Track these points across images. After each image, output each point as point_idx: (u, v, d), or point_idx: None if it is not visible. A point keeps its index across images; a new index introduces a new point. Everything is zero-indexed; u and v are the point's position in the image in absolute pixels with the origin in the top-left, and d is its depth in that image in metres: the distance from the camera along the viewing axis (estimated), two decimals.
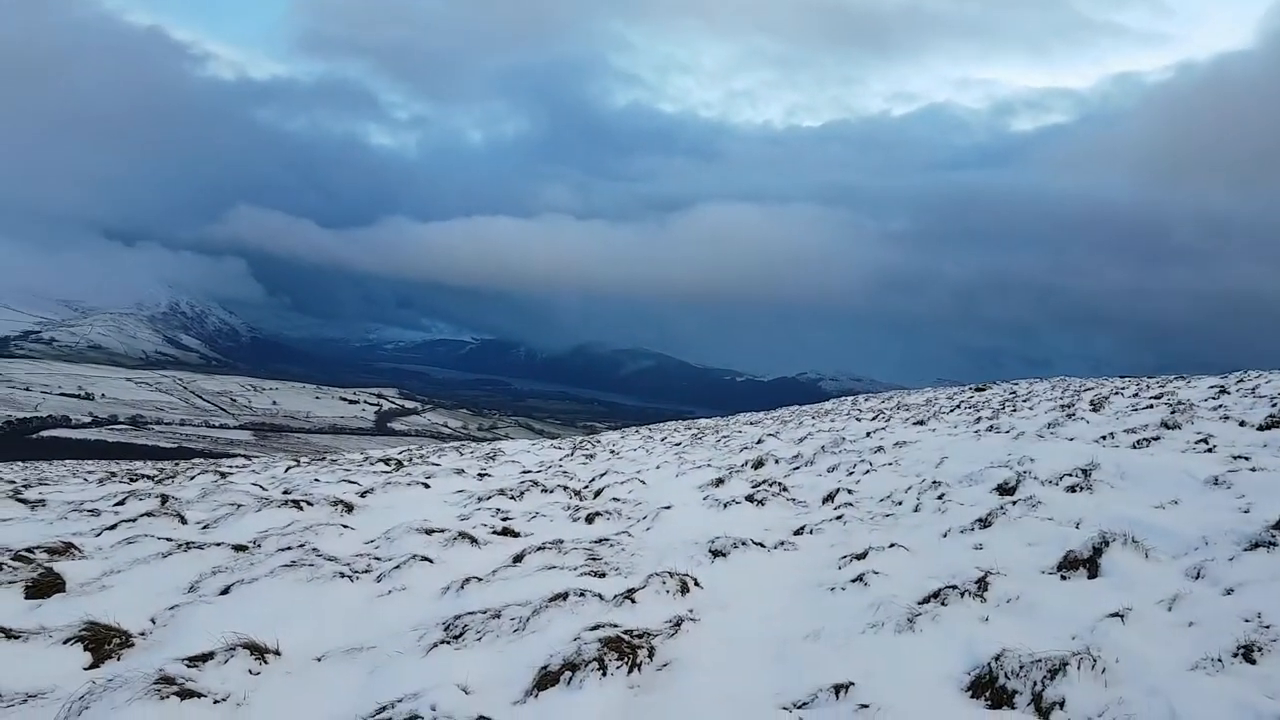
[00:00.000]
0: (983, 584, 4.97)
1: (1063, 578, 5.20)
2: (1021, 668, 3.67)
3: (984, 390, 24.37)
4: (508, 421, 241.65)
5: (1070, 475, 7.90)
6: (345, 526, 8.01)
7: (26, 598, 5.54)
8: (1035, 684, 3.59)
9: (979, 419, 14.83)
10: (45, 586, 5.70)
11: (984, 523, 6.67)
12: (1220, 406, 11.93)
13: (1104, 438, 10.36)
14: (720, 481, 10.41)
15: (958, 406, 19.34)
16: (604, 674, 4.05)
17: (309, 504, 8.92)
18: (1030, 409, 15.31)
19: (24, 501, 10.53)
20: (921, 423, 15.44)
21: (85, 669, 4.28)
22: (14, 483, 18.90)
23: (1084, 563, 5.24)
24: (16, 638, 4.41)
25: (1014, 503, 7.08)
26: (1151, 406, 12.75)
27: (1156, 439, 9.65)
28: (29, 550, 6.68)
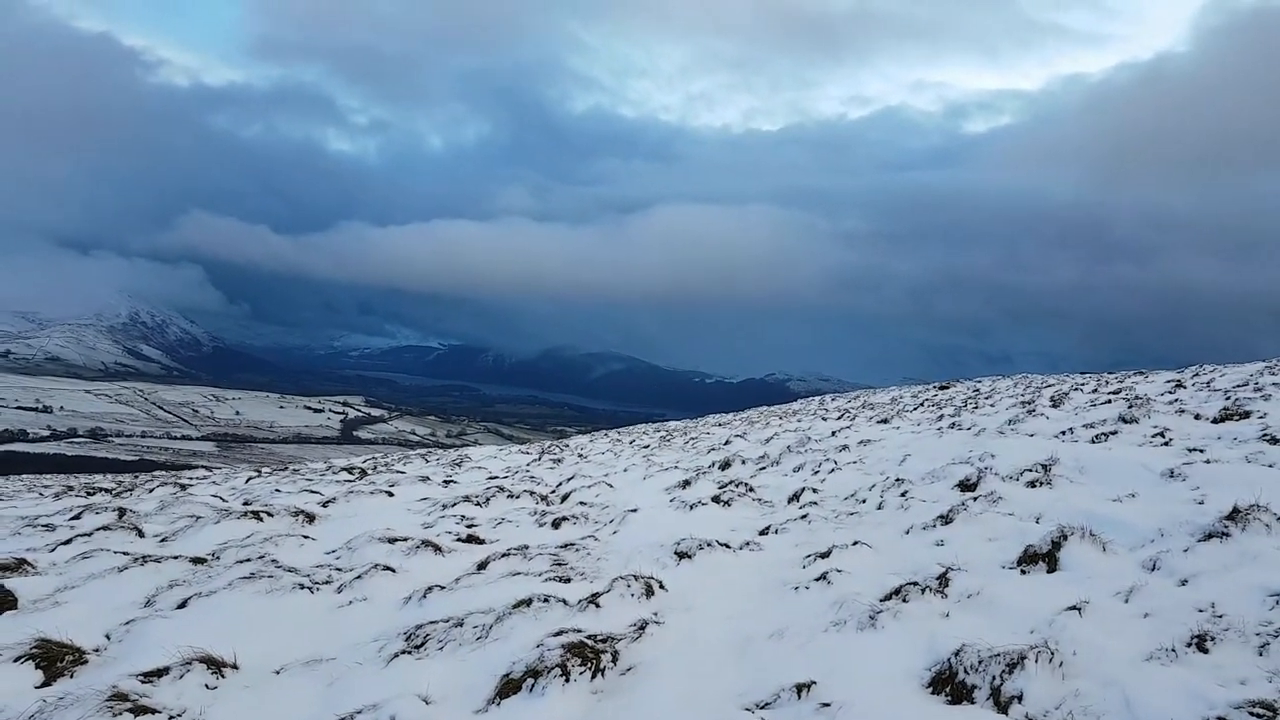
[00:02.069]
0: (944, 580, 5.02)
1: (1022, 572, 5.25)
2: (980, 662, 3.70)
3: (948, 388, 24.65)
4: (476, 427, 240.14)
5: (1030, 470, 8.01)
6: (306, 537, 7.89)
7: None
8: (994, 678, 3.62)
9: (942, 416, 14.99)
10: None
11: (946, 519, 6.73)
12: (1176, 400, 12.17)
13: (1064, 433, 10.52)
14: (687, 483, 10.42)
15: (922, 405, 19.54)
16: (567, 680, 4.02)
17: (269, 515, 8.79)
18: (992, 406, 15.51)
19: None
20: (886, 421, 15.57)
21: (36, 687, 4.20)
22: None
23: (1043, 557, 5.30)
24: None
25: (975, 499, 7.16)
26: (1110, 402, 12.97)
27: (1115, 433, 9.81)
28: None
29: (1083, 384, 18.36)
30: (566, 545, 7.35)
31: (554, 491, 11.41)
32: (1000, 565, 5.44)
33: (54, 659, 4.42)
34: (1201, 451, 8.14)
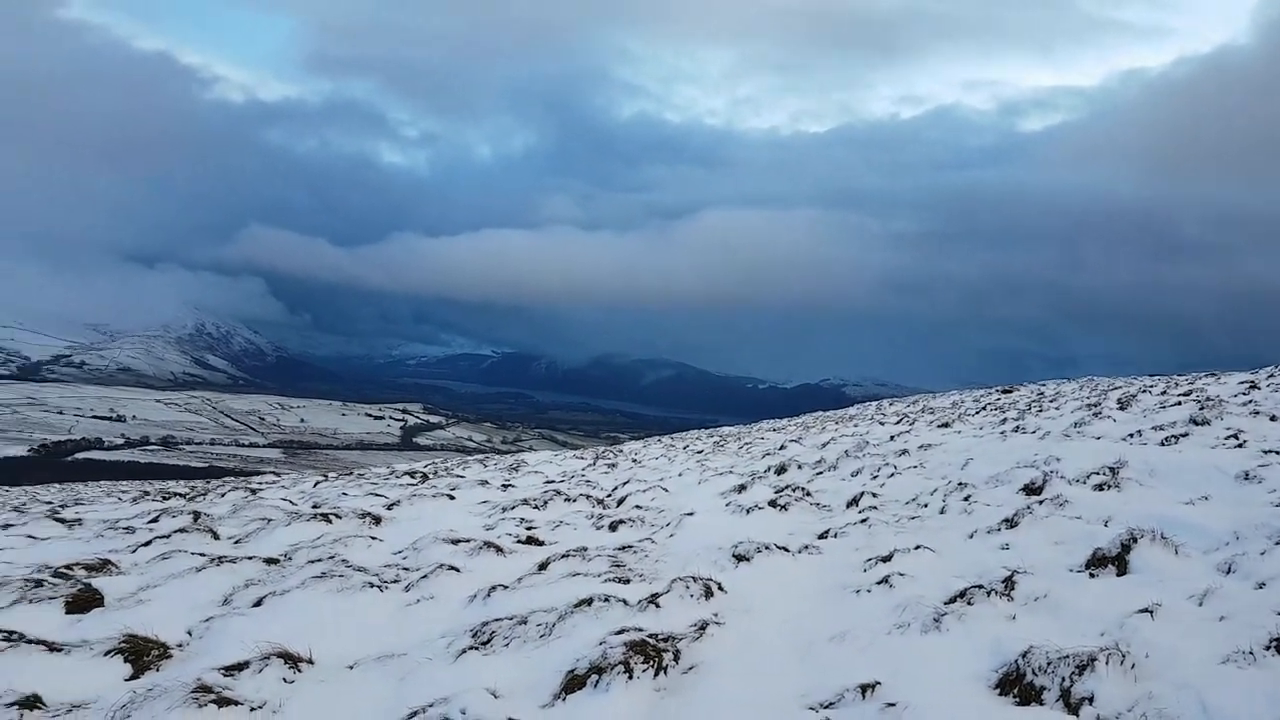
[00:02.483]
0: (1009, 583, 4.96)
1: (1091, 575, 5.17)
2: (1049, 664, 3.66)
3: (1011, 392, 24.15)
4: (531, 434, 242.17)
5: (1098, 474, 7.84)
6: (373, 538, 8.09)
7: (67, 612, 5.69)
8: (1063, 680, 3.58)
9: (1005, 420, 14.71)
10: (84, 601, 5.85)
11: (1010, 523, 6.64)
12: (1250, 402, 11.77)
13: (1132, 435, 10.26)
14: (743, 488, 10.41)
15: (984, 408, 19.19)
16: (630, 677, 4.08)
17: (337, 517, 9.03)
18: (1057, 409, 15.17)
19: (62, 521, 10.76)
20: (947, 425, 15.34)
21: (126, 680, 4.40)
22: (51, 503, 19.28)
23: (1112, 560, 5.20)
24: (59, 650, 4.54)
25: (1041, 502, 7.04)
26: (1180, 404, 12.60)
27: (1185, 435, 9.54)
28: (68, 567, 6.85)
29: (1151, 386, 17.86)
30: (624, 547, 7.42)
31: (609, 495, 11.49)
32: (1068, 568, 5.35)
33: (141, 653, 4.63)
34: (1278, 454, 7.88)
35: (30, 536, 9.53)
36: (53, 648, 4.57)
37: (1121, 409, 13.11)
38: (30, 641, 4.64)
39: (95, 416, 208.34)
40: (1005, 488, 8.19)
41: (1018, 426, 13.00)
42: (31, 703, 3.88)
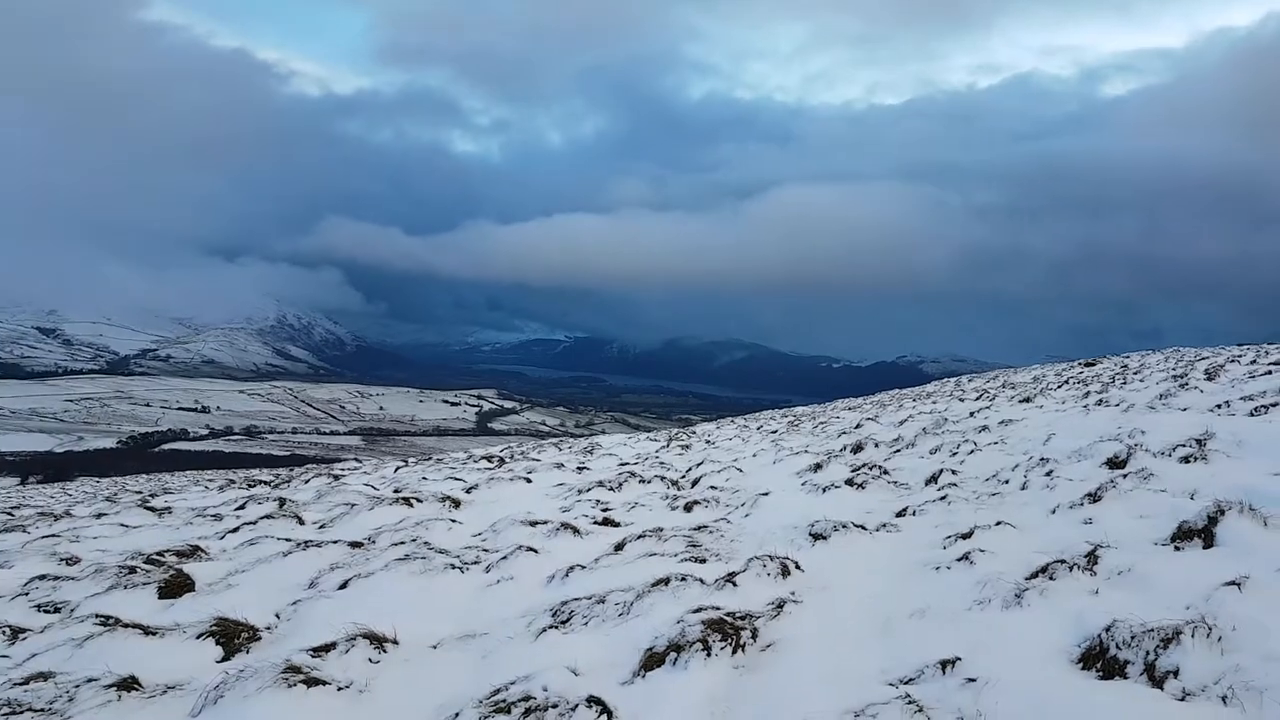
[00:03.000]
0: (1092, 558, 4.83)
1: (1176, 549, 4.99)
2: (1133, 638, 3.57)
3: (1093, 365, 23.36)
4: (603, 417, 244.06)
5: (1183, 446, 7.55)
6: (453, 521, 8.31)
7: (159, 597, 5.96)
8: (1148, 653, 3.49)
9: (1088, 394, 14.25)
10: (176, 587, 6.11)
11: (1093, 497, 6.45)
12: None
13: (1219, 407, 9.84)
14: (818, 467, 10.33)
15: (1066, 383, 18.61)
16: (708, 654, 4.12)
17: (418, 501, 9.28)
18: (1141, 381, 14.63)
19: (152, 509, 11.26)
20: (1028, 400, 14.93)
21: (217, 662, 4.58)
22: (141, 492, 20.26)
23: (1198, 533, 5.01)
24: (154, 634, 4.75)
25: (1124, 476, 6.82)
26: (1270, 373, 12.02)
27: (1275, 405, 9.11)
28: (159, 554, 7.17)
29: (1240, 356, 17.06)
30: (699, 528, 7.46)
31: (684, 477, 11.53)
32: (1152, 542, 5.18)
33: (231, 635, 4.81)
34: None
35: (123, 525, 10.01)
36: (147, 631, 4.78)
37: (1209, 380, 12.57)
38: (126, 625, 4.88)
39: (181, 408, 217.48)
40: (1088, 462, 7.95)
41: (1101, 400, 12.58)
42: (129, 684, 4.04)
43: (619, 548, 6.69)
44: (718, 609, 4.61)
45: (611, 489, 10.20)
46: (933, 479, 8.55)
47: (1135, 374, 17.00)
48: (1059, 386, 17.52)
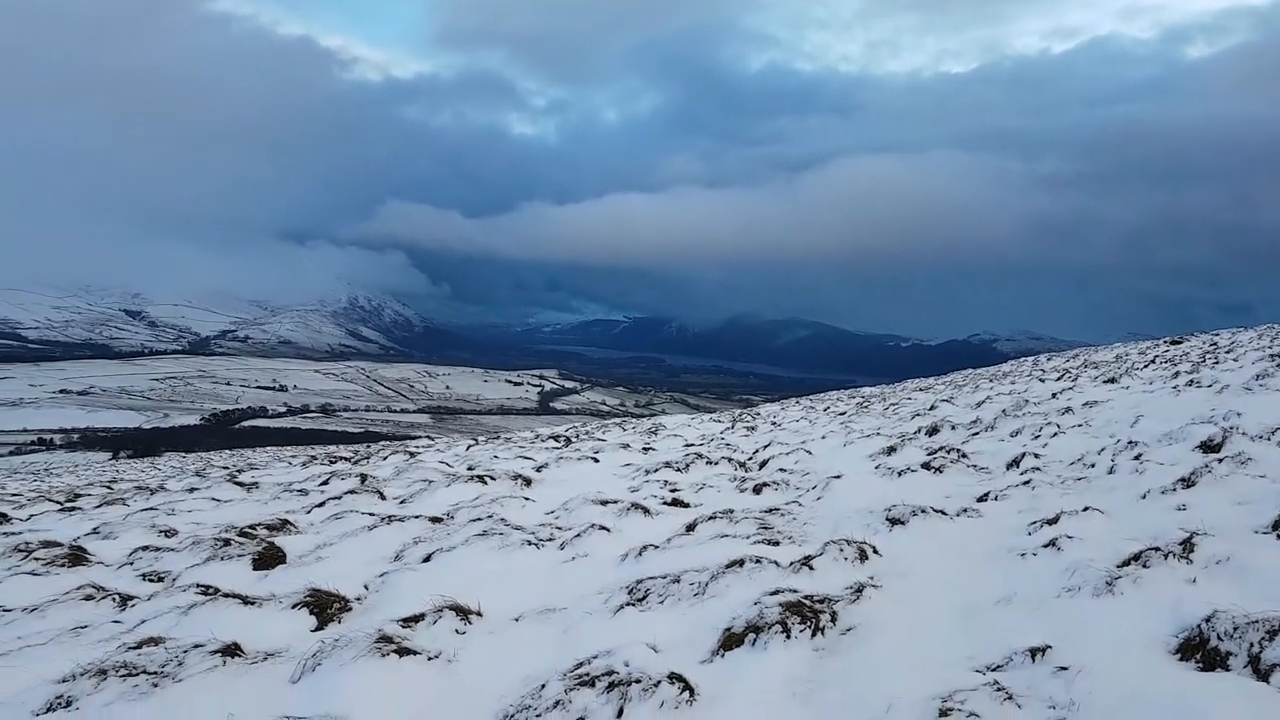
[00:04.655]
0: (1188, 545, 4.63)
1: (1279, 537, 4.78)
2: (1236, 629, 3.41)
3: (1180, 343, 22.48)
4: (663, 397, 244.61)
5: None
6: (526, 499, 8.42)
7: (254, 569, 6.26)
8: (1252, 645, 3.33)
9: (1177, 374, 13.70)
10: (269, 559, 6.41)
11: (1187, 482, 6.20)
12: None
13: None
14: (892, 450, 10.16)
15: (1152, 361, 17.95)
16: (787, 636, 4.09)
17: (492, 479, 9.44)
18: (1234, 360, 14.00)
19: (240, 485, 11.74)
20: (1112, 380, 14.43)
21: (311, 631, 4.74)
22: (228, 468, 21.04)
23: None
24: (252, 603, 4.93)
25: (1220, 460, 6.53)
26: None
27: None
28: (251, 527, 7.47)
29: None
30: (770, 510, 7.41)
31: (751, 458, 11.47)
32: (1252, 530, 4.95)
33: (324, 606, 4.97)
34: None
35: (214, 499, 10.45)
36: (246, 601, 4.96)
37: None
38: (225, 595, 5.08)
39: (259, 387, 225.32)
40: (1180, 445, 7.65)
41: (1191, 380, 12.09)
42: (232, 650, 4.21)
43: (690, 528, 6.68)
44: (795, 591, 4.57)
45: (679, 470, 10.20)
46: (1014, 463, 8.33)
47: (1227, 353, 16.30)
48: (1145, 366, 16.91)
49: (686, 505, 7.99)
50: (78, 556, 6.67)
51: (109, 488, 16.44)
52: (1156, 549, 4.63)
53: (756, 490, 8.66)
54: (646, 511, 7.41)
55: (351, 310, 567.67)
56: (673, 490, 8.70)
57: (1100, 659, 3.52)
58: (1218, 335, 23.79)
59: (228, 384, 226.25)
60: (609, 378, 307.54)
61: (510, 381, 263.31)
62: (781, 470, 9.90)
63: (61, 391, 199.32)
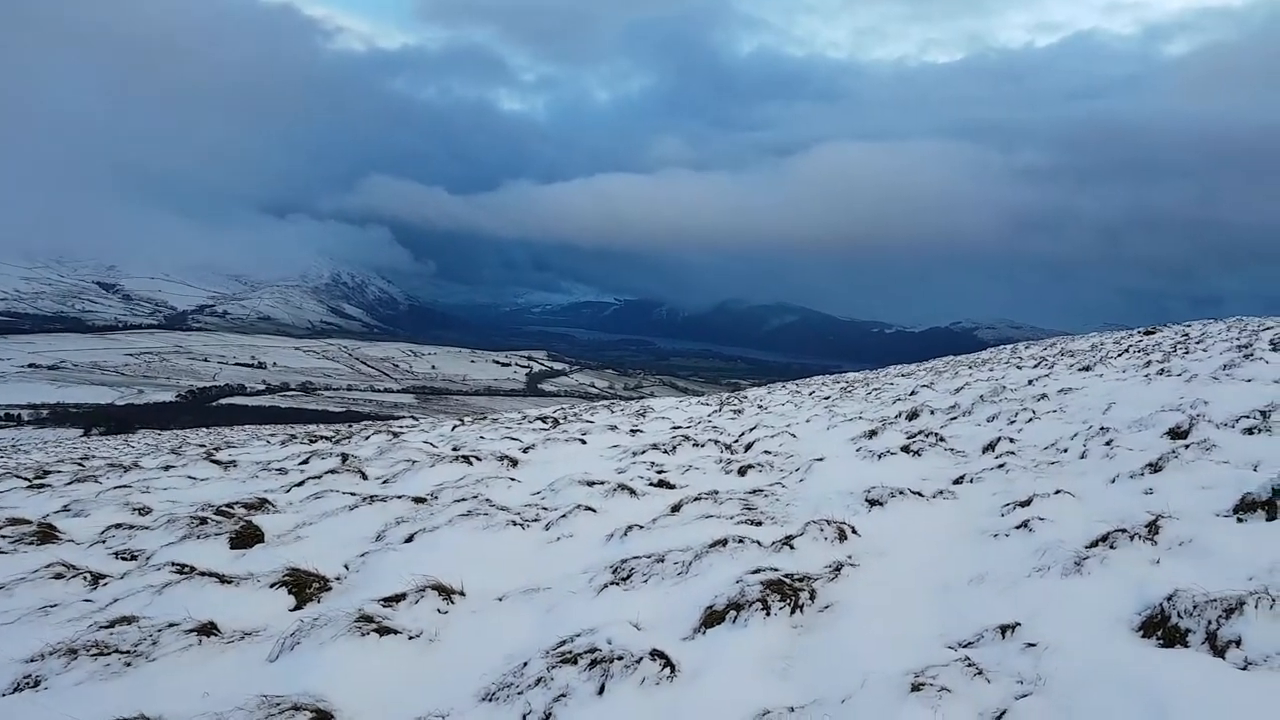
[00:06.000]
0: (1153, 527, 4.80)
1: (1239, 520, 4.93)
2: (1195, 607, 3.56)
3: (1154, 333, 22.80)
4: (652, 380, 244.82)
5: (1247, 417, 7.40)
6: (512, 479, 8.50)
7: (231, 548, 6.23)
8: (1210, 623, 3.48)
9: (1149, 363, 13.93)
10: (247, 538, 6.38)
11: (1154, 467, 6.37)
12: None
13: None
14: (873, 433, 10.31)
15: (1126, 351, 18.21)
16: (767, 614, 4.21)
17: (477, 459, 9.50)
18: (1204, 351, 14.25)
19: (217, 463, 11.62)
20: (1087, 368, 14.65)
21: (290, 610, 4.77)
22: (204, 446, 20.93)
23: (1262, 505, 4.94)
24: (229, 582, 4.96)
25: (1187, 446, 6.72)
26: None
27: None
28: (229, 506, 7.46)
29: None
30: (754, 491, 7.54)
31: (737, 441, 11.60)
32: (1215, 513, 5.11)
33: (303, 585, 5.00)
34: None
35: (190, 477, 10.39)
36: (222, 580, 4.98)
37: (1275, 350, 12.19)
38: (201, 574, 5.10)
39: (238, 364, 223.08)
40: (1149, 432, 7.84)
41: (1162, 369, 12.31)
42: (208, 629, 4.24)
43: (675, 509, 6.78)
44: (775, 570, 4.69)
45: (665, 452, 10.31)
46: (990, 447, 8.50)
47: (1197, 343, 16.58)
48: (1119, 355, 17.16)
49: (672, 486, 8.10)
50: (47, 534, 6.63)
51: (80, 465, 16.27)
52: (1123, 531, 4.79)
53: (741, 472, 8.79)
54: (632, 492, 7.51)
55: (334, 286, 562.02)
56: (659, 472, 8.81)
57: (1067, 636, 3.67)
58: (1189, 327, 24.18)
59: (205, 360, 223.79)
60: (598, 360, 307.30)
61: (498, 362, 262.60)
62: (766, 453, 10.04)
63: (30, 366, 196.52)
